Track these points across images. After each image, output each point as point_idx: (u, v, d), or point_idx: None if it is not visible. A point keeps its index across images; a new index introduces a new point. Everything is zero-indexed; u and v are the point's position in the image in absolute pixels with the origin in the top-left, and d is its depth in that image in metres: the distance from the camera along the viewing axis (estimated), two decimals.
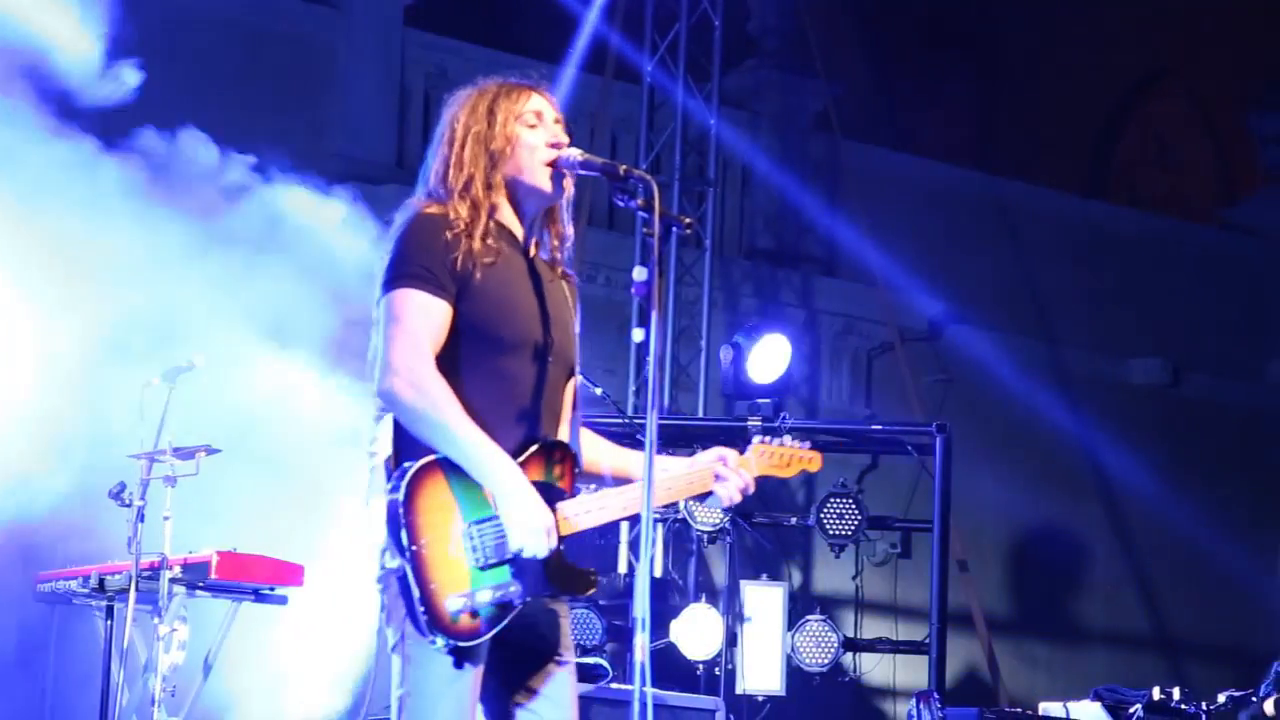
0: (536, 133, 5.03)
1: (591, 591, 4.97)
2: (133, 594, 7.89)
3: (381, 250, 4.94)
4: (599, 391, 10.07)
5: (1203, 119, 19.43)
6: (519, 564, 4.78)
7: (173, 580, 8.25)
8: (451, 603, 4.69)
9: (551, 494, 4.85)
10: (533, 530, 4.75)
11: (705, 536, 11.40)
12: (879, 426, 11.59)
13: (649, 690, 4.70)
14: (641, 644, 4.71)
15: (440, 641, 4.69)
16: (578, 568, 4.91)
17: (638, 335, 4.74)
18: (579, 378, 5.16)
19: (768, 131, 14.64)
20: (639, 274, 4.84)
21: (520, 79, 5.12)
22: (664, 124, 13.43)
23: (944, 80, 18.14)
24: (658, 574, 12.34)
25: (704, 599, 11.13)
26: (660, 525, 12.09)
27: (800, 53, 14.28)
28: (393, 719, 4.84)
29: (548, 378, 4.93)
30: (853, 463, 14.02)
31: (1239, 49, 17.94)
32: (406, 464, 4.74)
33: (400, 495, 4.70)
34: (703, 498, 5.20)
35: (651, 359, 4.81)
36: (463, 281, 4.84)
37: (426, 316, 4.80)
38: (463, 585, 4.71)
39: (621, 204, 5.01)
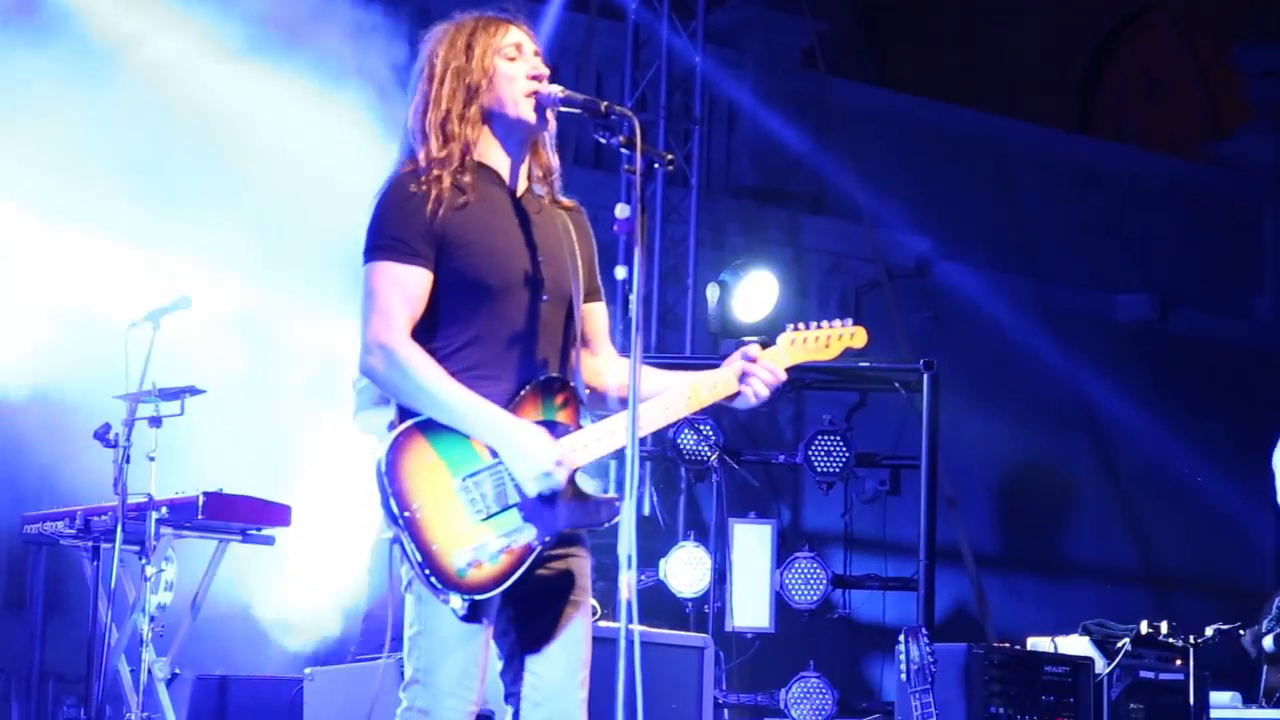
0: (516, 65, 4.98)
1: (616, 519, 4.83)
2: (119, 535, 7.88)
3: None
4: None
5: (1189, 53, 19.42)
6: (526, 507, 4.74)
7: (159, 521, 8.24)
8: (458, 559, 4.67)
9: (555, 430, 4.81)
10: (539, 467, 4.71)
11: (693, 474, 11.40)
12: (866, 364, 11.57)
13: (636, 628, 4.66)
14: (628, 582, 4.67)
15: (455, 599, 4.67)
16: (594, 496, 4.87)
17: (620, 273, 4.66)
18: (598, 306, 5.09)
19: (754, 69, 14.59)
20: (621, 211, 4.80)
21: (498, 12, 5.05)
22: (649, 62, 13.38)
23: (930, 16, 18.10)
24: (646, 512, 12.36)
25: (692, 537, 11.13)
26: (648, 464, 12.10)
27: None
28: (404, 655, 4.82)
29: (542, 315, 4.89)
30: (841, 400, 14.02)
31: None
32: (392, 426, 4.75)
33: (383, 464, 4.70)
34: (733, 399, 5.01)
35: (635, 297, 4.76)
36: (441, 236, 4.81)
37: (399, 287, 4.79)
38: (467, 540, 4.69)
39: (603, 141, 4.96)
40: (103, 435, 8.16)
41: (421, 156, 4.89)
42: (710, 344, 12.80)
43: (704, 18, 13.39)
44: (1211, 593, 15.09)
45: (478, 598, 4.69)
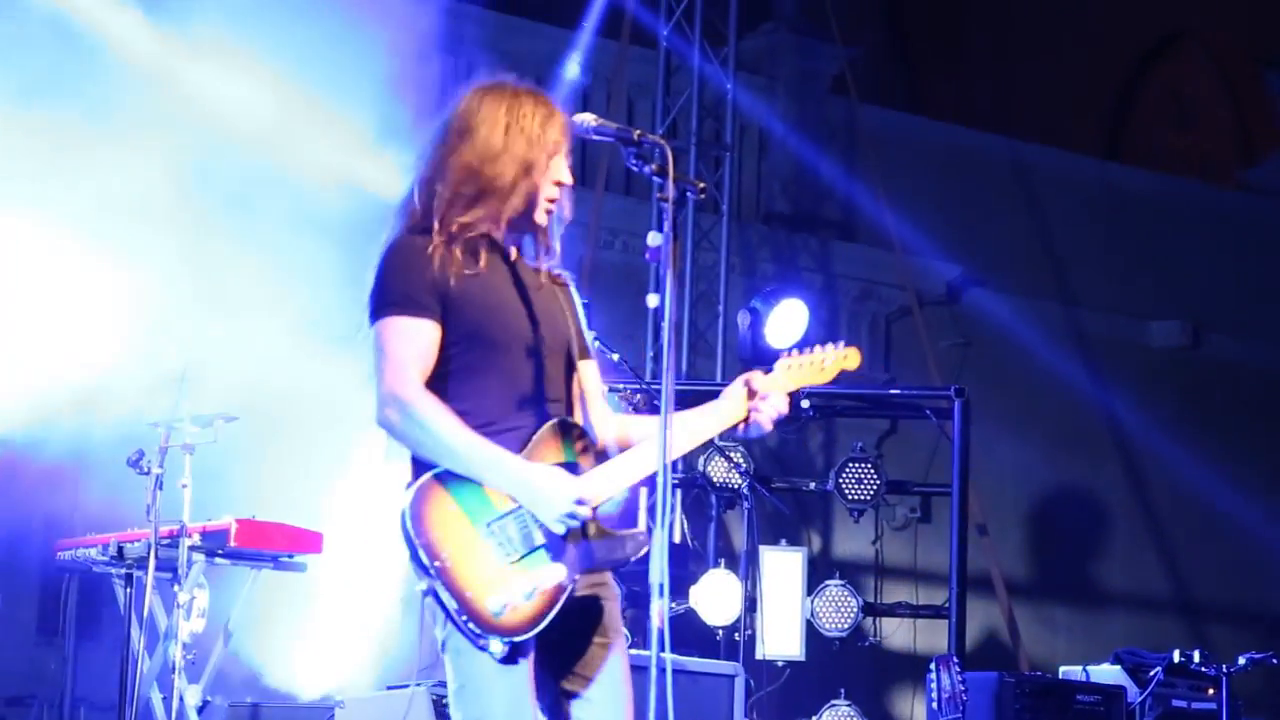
0: (552, 167, 5.01)
1: (643, 552, 4.90)
2: (152, 562, 7.91)
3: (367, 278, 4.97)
4: (615, 357, 10.06)
5: (1221, 79, 19.36)
6: (553, 548, 4.79)
7: (192, 548, 8.27)
8: (492, 603, 4.70)
9: (575, 471, 4.87)
10: (560, 507, 4.76)
11: (724, 502, 11.41)
12: (897, 391, 11.56)
13: (668, 656, 4.67)
14: (659, 610, 4.69)
15: (494, 643, 4.70)
16: (620, 533, 4.92)
17: (652, 301, 4.75)
18: (590, 364, 5.16)
19: (784, 96, 14.60)
20: (653, 239, 4.85)
21: (544, 93, 5.08)
22: (680, 89, 13.39)
23: (962, 42, 18.10)
24: (676, 540, 12.35)
25: (723, 564, 11.13)
26: (679, 491, 12.10)
27: (816, 16, 14.23)
28: (451, 712, 4.85)
29: (545, 371, 4.96)
30: (872, 428, 14.01)
31: (1257, 7, 17.85)
32: (408, 486, 4.78)
33: (408, 518, 4.73)
34: (738, 429, 5.13)
35: (666, 324, 4.80)
36: (447, 294, 4.87)
37: (410, 341, 4.84)
38: (499, 584, 4.72)
39: (635, 169, 5.00)
40: (135, 463, 8.18)
41: (435, 219, 4.93)
42: (741, 370, 12.78)
43: (735, 44, 13.40)
44: (1245, 621, 15.02)
45: (517, 639, 4.72)
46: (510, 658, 4.73)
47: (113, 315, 9.20)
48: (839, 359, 5.28)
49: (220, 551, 8.50)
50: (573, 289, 5.20)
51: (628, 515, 5.10)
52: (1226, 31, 18.78)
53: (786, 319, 11.16)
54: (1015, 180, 15.77)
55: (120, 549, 7.66)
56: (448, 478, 4.77)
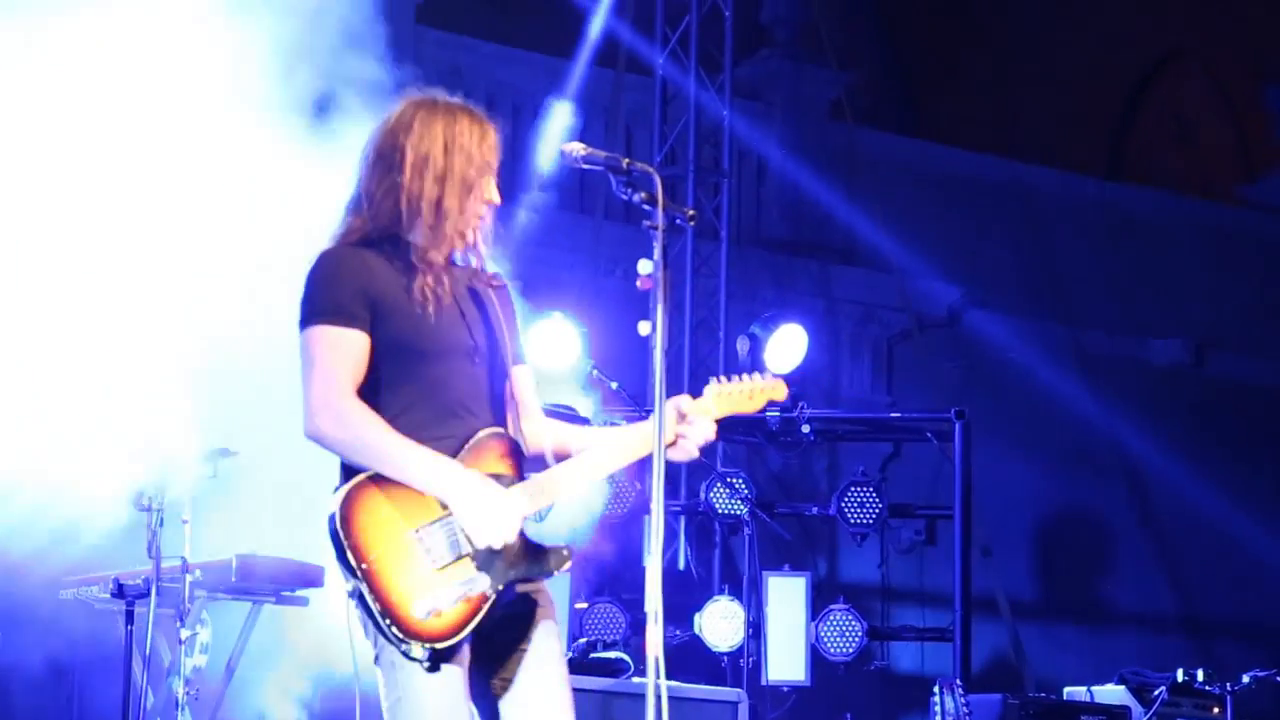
0: (484, 184, 5.06)
1: (566, 567, 4.99)
2: (154, 598, 7.90)
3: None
4: (615, 386, 10.09)
5: (1221, 97, 19.39)
6: (479, 557, 4.83)
7: (194, 584, 8.27)
8: (417, 609, 4.73)
9: (500, 482, 4.92)
10: (492, 520, 4.82)
11: (727, 528, 11.42)
12: (898, 414, 11.58)
13: (663, 683, 4.70)
14: (654, 638, 4.72)
15: (416, 648, 4.72)
16: (545, 547, 4.97)
17: (644, 329, 4.77)
18: (525, 369, 5.21)
19: (782, 121, 14.64)
20: (644, 267, 4.91)
21: (476, 109, 5.13)
22: (677, 116, 13.41)
23: (961, 65, 18.12)
24: (680, 566, 12.35)
25: (727, 591, 11.13)
26: (682, 518, 12.10)
27: (813, 42, 14.27)
28: None
29: (478, 377, 5.02)
30: (875, 451, 14.00)
31: (1256, 25, 17.88)
32: (337, 489, 4.82)
33: (338, 519, 4.76)
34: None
35: (658, 351, 4.86)
36: (376, 302, 4.92)
37: (338, 350, 4.88)
38: (423, 589, 4.75)
39: (625, 197, 5.05)
40: (136, 499, 8.19)
41: (366, 219, 5.00)
42: None
43: (731, 71, 13.42)
44: (1254, 639, 14.99)
45: (438, 645, 4.75)
46: (434, 665, 4.74)
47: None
48: (768, 389, 5.36)
49: (222, 587, 8.50)
50: (510, 291, 5.23)
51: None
52: (1225, 49, 18.81)
53: (786, 344, 11.16)
54: (1015, 201, 15.79)
55: (120, 586, 7.67)
56: (380, 480, 4.80)
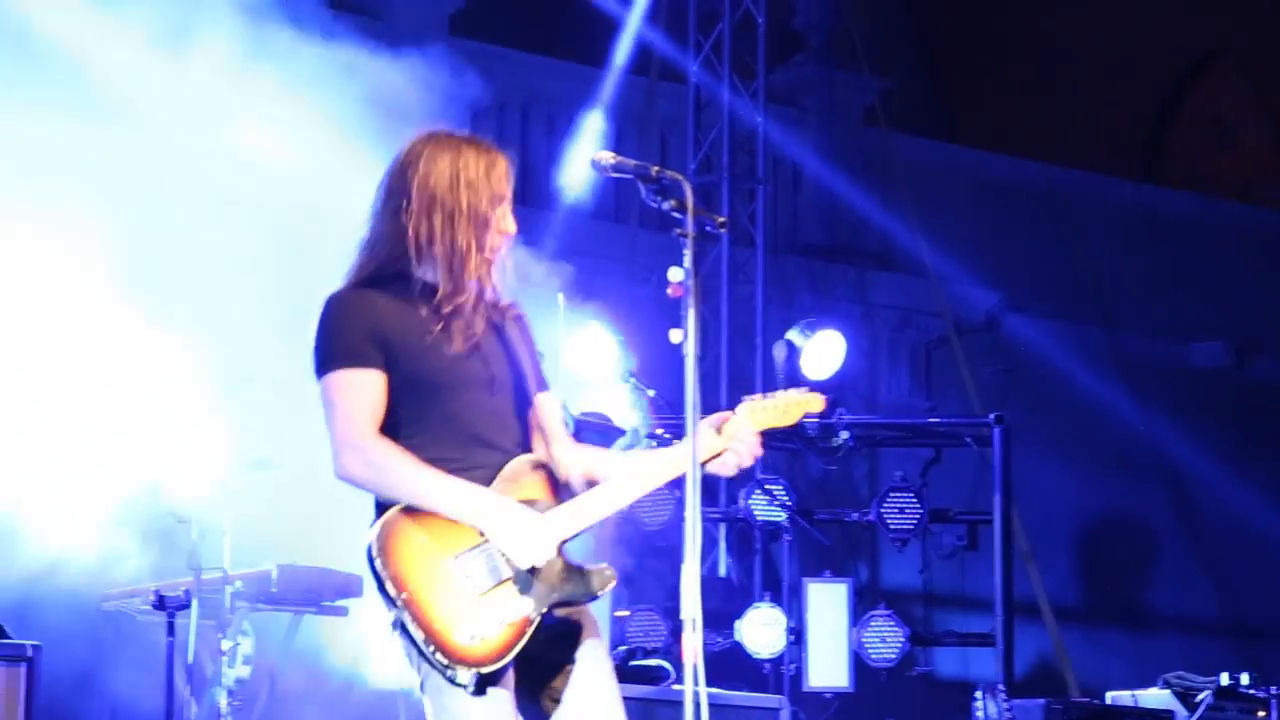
0: (499, 215, 5.04)
1: (609, 588, 4.98)
2: (195, 610, 7.93)
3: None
4: (651, 394, 10.09)
5: (1259, 98, 19.30)
6: (521, 580, 4.83)
7: (234, 595, 8.30)
8: (460, 634, 4.73)
9: (535, 507, 4.91)
10: (528, 543, 4.81)
11: (767, 536, 11.42)
12: (936, 419, 11.57)
13: (703, 690, 4.69)
14: (692, 645, 4.72)
15: (461, 673, 4.72)
16: (586, 569, 4.95)
17: (675, 336, 4.76)
18: (549, 397, 5.17)
19: (817, 127, 14.62)
20: (674, 274, 4.90)
21: (484, 141, 5.11)
22: (712, 123, 13.42)
23: (997, 68, 18.08)
24: (721, 574, 12.35)
25: (768, 598, 11.13)
26: (722, 526, 12.11)
27: (847, 47, 14.26)
28: None
29: (498, 407, 5.00)
30: (916, 457, 13.98)
31: None
32: (373, 524, 4.83)
33: (374, 551, 4.77)
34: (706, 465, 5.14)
35: (690, 359, 4.85)
36: (388, 342, 4.91)
37: (357, 391, 4.88)
38: (466, 615, 4.75)
39: (654, 205, 5.05)
40: (176, 513, 8.22)
41: (368, 264, 5.00)
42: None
43: (765, 78, 13.42)
44: None
45: (484, 670, 4.74)
46: (480, 689, 4.74)
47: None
48: (803, 403, 5.32)
49: (263, 598, 8.52)
50: (526, 320, 5.21)
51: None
52: (1263, 50, 18.73)
53: (824, 350, 11.15)
54: (1053, 205, 15.75)
55: (161, 597, 7.71)
56: (414, 511, 4.80)
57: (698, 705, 4.70)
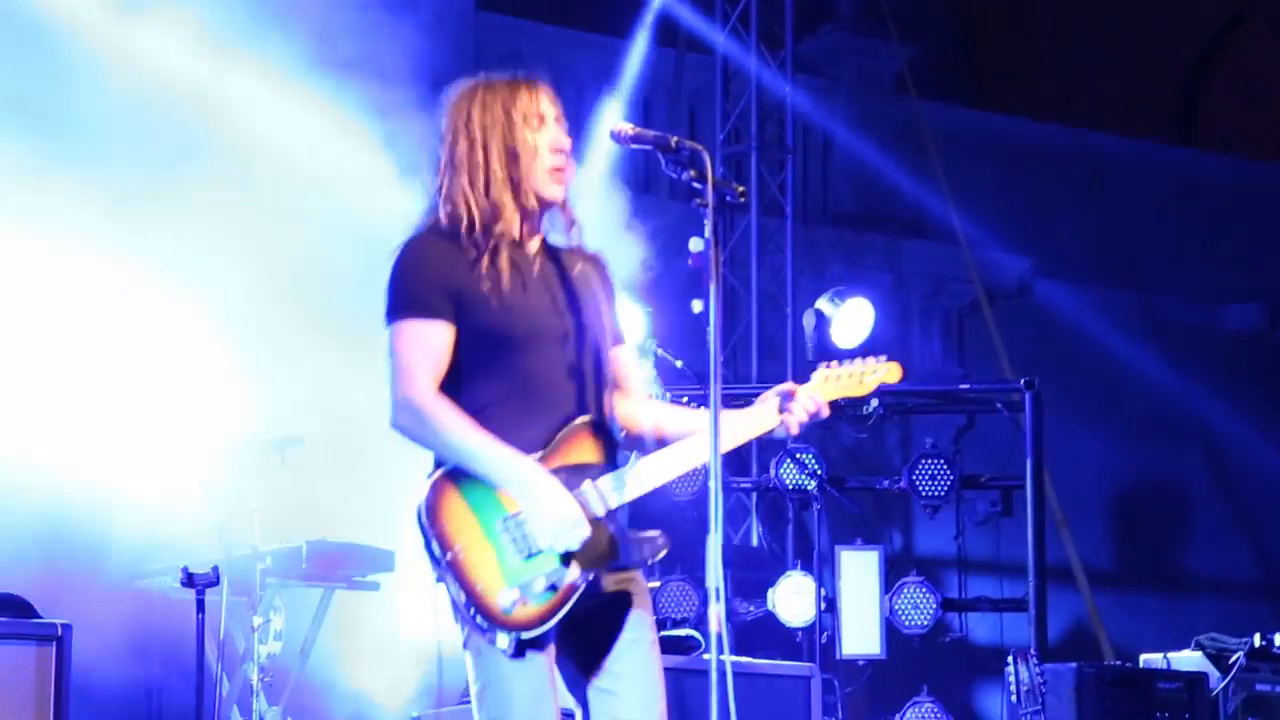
0: (540, 135, 5.02)
1: (661, 555, 4.96)
2: (225, 586, 7.96)
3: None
4: (679, 364, 10.10)
5: None
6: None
7: (264, 571, 8.34)
8: (502, 598, 4.73)
9: (588, 471, 4.88)
10: (555, 527, 4.79)
11: (798, 504, 11.43)
12: (967, 386, 11.55)
13: (727, 658, 4.69)
14: (717, 614, 4.72)
15: (501, 637, 4.73)
16: (639, 534, 4.93)
17: (697, 306, 4.77)
18: (624, 349, 5.16)
19: (846, 96, 14.61)
20: (695, 245, 4.90)
21: (525, 75, 5.10)
22: (740, 94, 13.42)
23: (1026, 33, 18.03)
24: (754, 543, 12.36)
25: (799, 566, 11.14)
26: (753, 495, 12.12)
27: (875, 15, 14.23)
28: (474, 712, 4.88)
29: (571, 363, 4.97)
30: (949, 424, 13.94)
31: None
32: (428, 476, 4.83)
33: (423, 509, 4.78)
34: (774, 431, 5.15)
35: (711, 329, 4.83)
36: (462, 293, 4.89)
37: (422, 344, 4.87)
38: (511, 579, 4.75)
39: (674, 175, 5.04)
40: (207, 490, 8.27)
41: (445, 216, 4.97)
42: (812, 372, 12.78)
43: (792, 47, 13.41)
44: None
45: (524, 635, 4.75)
46: (519, 652, 4.75)
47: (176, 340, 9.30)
48: (880, 373, 5.29)
49: (294, 574, 8.56)
50: (609, 271, 5.19)
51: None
52: None
53: (853, 318, 11.12)
54: (1084, 170, 15.71)
55: (190, 575, 7.75)
56: (458, 475, 4.80)
57: (722, 673, 4.69)
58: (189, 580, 7.34)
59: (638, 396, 5.17)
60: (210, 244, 9.28)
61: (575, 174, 5.10)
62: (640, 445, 5.08)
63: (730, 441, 5.05)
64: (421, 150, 5.14)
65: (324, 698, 9.53)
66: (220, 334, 9.25)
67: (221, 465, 8.40)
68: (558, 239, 5.11)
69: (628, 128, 5.08)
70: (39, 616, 7.56)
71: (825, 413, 5.14)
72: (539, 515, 4.79)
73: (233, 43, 9.67)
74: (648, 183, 13.61)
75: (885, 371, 5.30)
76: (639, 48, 12.70)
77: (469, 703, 5.81)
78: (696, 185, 4.97)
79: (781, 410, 5.09)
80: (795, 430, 5.13)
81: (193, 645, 7.92)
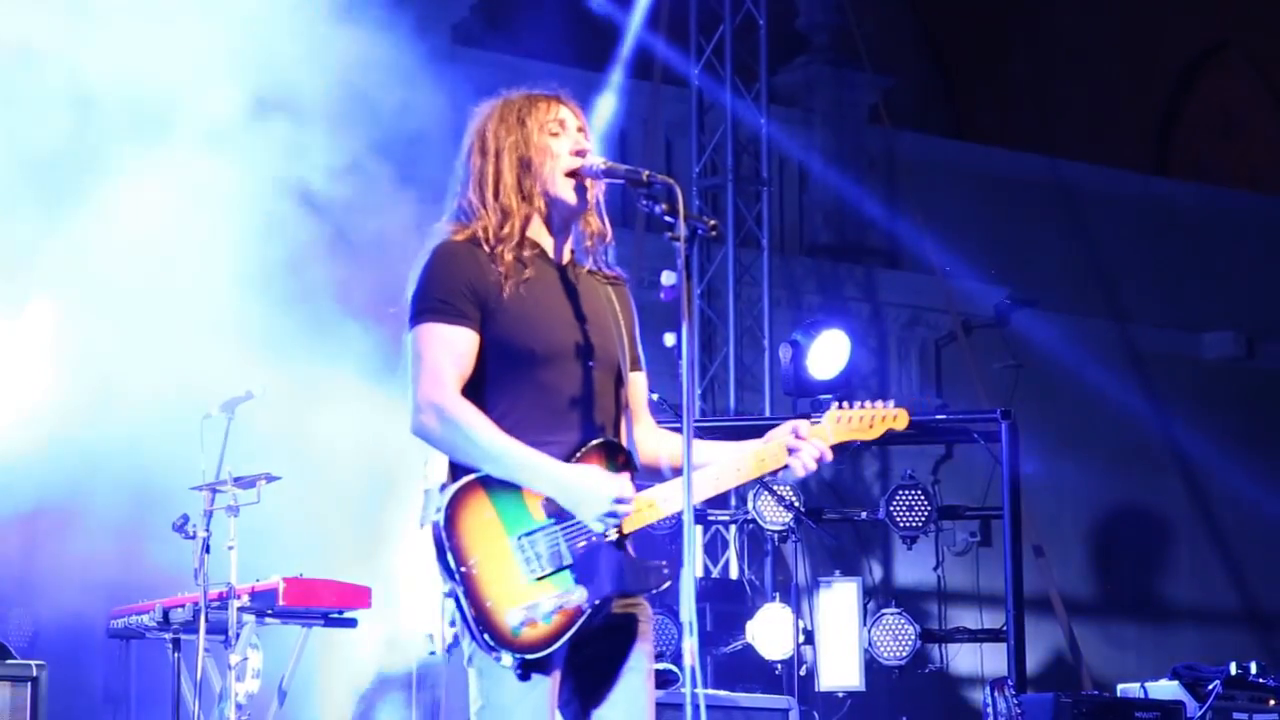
0: (560, 141, 5.04)
1: (666, 585, 4.90)
2: (202, 625, 7.96)
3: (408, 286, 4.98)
4: (655, 397, 10.07)
5: (1267, 89, 19.28)
6: (579, 569, 4.78)
7: (241, 609, 8.32)
8: (511, 617, 4.71)
9: None
10: (601, 503, 4.75)
11: (777, 536, 11.42)
12: (943, 416, 11.55)
13: (701, 691, 4.68)
14: (690, 648, 4.69)
15: (506, 657, 4.71)
16: (646, 563, 4.89)
17: (669, 340, 4.74)
18: (640, 375, 5.14)
19: (821, 128, 14.63)
20: (667, 278, 4.86)
21: (544, 88, 5.12)
22: (715, 126, 13.44)
23: (1002, 64, 18.08)
24: (733, 576, 12.35)
25: (778, 598, 11.14)
26: (732, 527, 12.11)
27: (851, 47, 14.26)
28: None
29: (593, 382, 4.93)
30: (927, 454, 13.97)
31: None
32: (446, 487, 4.78)
33: (442, 519, 4.73)
34: (779, 473, 5.07)
35: (684, 363, 4.79)
36: (487, 301, 4.88)
37: (447, 347, 4.85)
38: (520, 599, 4.72)
39: (647, 210, 5.02)
40: (180, 527, 8.25)
41: (475, 230, 4.95)
42: (789, 405, 12.80)
43: (767, 80, 13.44)
44: None
45: (529, 657, 4.72)
46: (524, 674, 4.73)
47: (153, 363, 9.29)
48: (889, 418, 5.18)
49: (270, 611, 8.54)
50: (629, 294, 5.18)
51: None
52: (1270, 41, 18.71)
53: (828, 350, 11.14)
54: (1060, 199, 15.74)
55: (166, 614, 7.73)
56: (489, 482, 4.77)
57: (696, 707, 4.67)
58: (165, 620, 7.33)
59: (647, 423, 5.14)
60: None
61: (602, 189, 5.10)
62: (656, 473, 5.02)
63: (735, 479, 5.02)
64: None
65: None
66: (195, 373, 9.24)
67: (198, 502, 8.37)
68: (584, 259, 5.10)
69: (599, 162, 5.08)
70: (14, 657, 7.54)
71: (830, 457, 5.09)
72: (583, 500, 4.75)
73: None
74: (624, 216, 13.61)
75: (895, 418, 5.21)
76: (614, 81, 12.70)
77: None
78: (669, 219, 4.94)
79: (791, 451, 5.02)
80: (801, 474, 5.04)
81: (170, 685, 7.92)
